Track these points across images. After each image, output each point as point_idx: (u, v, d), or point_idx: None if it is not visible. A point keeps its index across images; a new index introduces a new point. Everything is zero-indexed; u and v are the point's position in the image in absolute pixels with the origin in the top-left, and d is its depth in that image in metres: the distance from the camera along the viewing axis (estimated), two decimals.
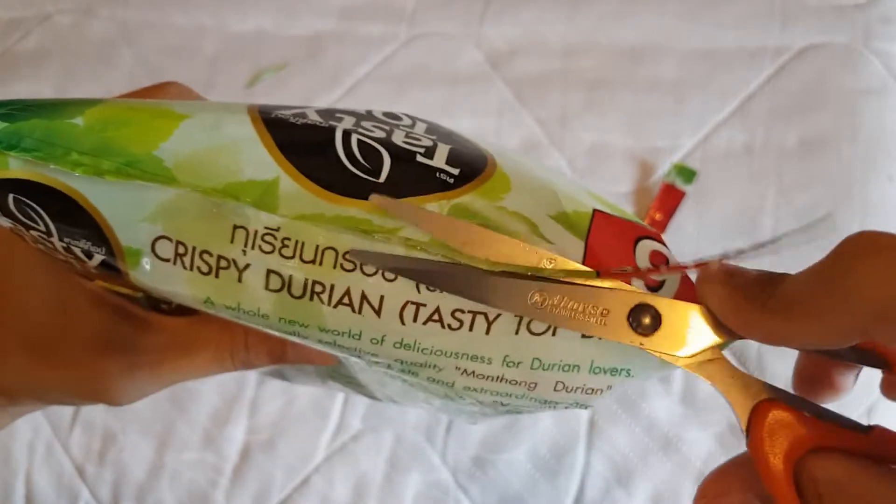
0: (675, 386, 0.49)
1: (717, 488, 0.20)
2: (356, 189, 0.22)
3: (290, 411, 0.50)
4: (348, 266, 0.21)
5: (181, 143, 0.22)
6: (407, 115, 0.26)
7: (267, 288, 0.22)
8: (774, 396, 0.19)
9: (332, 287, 0.22)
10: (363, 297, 0.22)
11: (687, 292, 0.23)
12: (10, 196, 0.22)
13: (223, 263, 0.22)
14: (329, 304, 0.22)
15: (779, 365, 0.49)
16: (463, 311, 0.22)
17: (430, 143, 0.24)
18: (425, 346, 0.23)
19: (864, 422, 0.18)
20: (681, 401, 0.49)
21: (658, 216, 0.53)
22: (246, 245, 0.22)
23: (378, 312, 0.22)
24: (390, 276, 0.21)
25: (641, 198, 0.54)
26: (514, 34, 0.59)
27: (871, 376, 0.20)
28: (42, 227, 0.22)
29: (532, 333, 0.22)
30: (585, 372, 0.23)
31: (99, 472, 0.49)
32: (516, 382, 0.24)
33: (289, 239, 0.21)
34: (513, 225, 0.22)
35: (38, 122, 0.21)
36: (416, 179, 0.22)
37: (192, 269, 0.22)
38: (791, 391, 0.20)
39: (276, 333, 0.23)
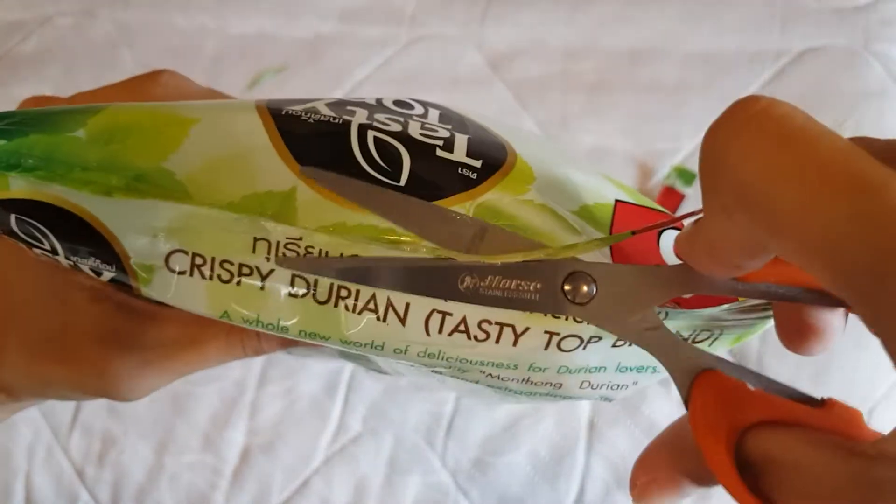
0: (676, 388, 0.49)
1: (644, 473, 0.19)
2: None
3: (289, 413, 0.50)
4: None
5: (191, 153, 0.21)
6: (418, 102, 0.25)
7: (291, 293, 0.21)
8: (717, 367, 0.18)
9: (358, 292, 0.21)
10: (389, 303, 0.21)
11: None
12: (13, 217, 0.21)
13: (245, 270, 0.21)
14: (353, 310, 0.21)
15: (779, 365, 0.49)
16: (490, 323, 0.21)
17: (447, 134, 0.23)
18: (450, 356, 0.22)
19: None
20: (681, 403, 0.48)
21: None
22: (269, 253, 0.21)
23: (403, 321, 0.21)
24: None
25: None
26: (514, 36, 0.59)
27: (870, 377, 0.20)
28: (47, 246, 0.21)
29: (562, 350, 0.22)
30: (612, 371, 0.23)
31: (98, 474, 0.49)
32: (542, 383, 0.23)
33: (312, 247, 0.21)
34: (539, 219, 0.21)
35: (39, 137, 0.20)
36: (438, 179, 0.21)
37: (211, 278, 0.21)
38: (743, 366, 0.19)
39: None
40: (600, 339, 0.22)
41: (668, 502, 0.18)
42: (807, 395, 0.17)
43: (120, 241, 0.21)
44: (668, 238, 0.23)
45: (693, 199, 0.53)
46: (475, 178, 0.22)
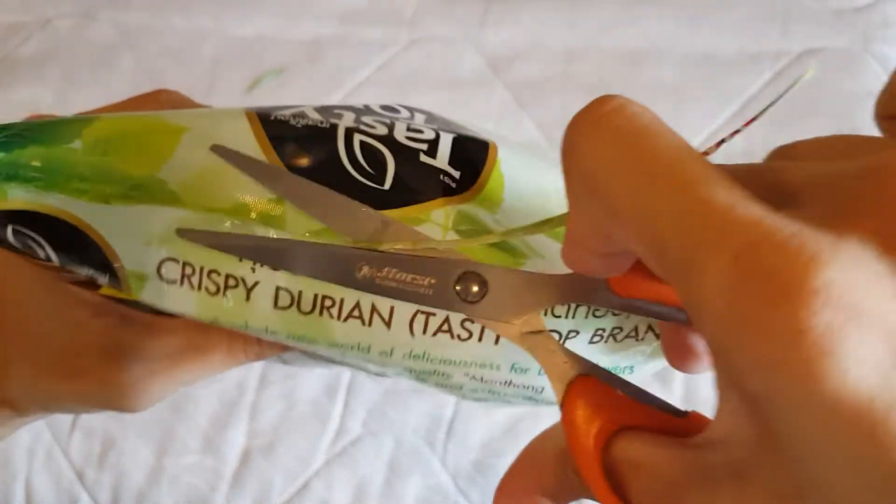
0: (676, 387, 0.49)
1: (504, 498, 0.19)
2: (362, 200, 0.21)
3: (290, 415, 0.50)
4: None
5: (184, 161, 0.21)
6: (404, 108, 0.26)
7: (276, 306, 0.22)
8: (591, 373, 0.18)
9: (342, 301, 0.21)
10: (373, 308, 0.21)
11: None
12: (10, 227, 0.21)
13: (231, 282, 0.21)
14: (339, 318, 0.22)
15: None
16: (472, 322, 0.22)
17: (432, 136, 0.24)
18: (435, 356, 0.22)
19: None
20: (681, 402, 0.48)
21: None
22: (255, 263, 0.21)
23: (388, 324, 0.22)
24: None
25: None
26: (514, 38, 0.59)
27: None
28: (43, 256, 0.22)
29: None
30: None
31: (98, 476, 0.49)
32: (524, 387, 0.24)
33: None
34: (512, 237, 0.22)
35: (36, 149, 0.21)
36: (420, 184, 0.22)
37: (199, 289, 0.22)
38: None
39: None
40: (578, 333, 0.22)
41: None
42: (673, 406, 0.18)
43: (114, 249, 0.22)
44: None
45: None
46: (455, 186, 0.22)
